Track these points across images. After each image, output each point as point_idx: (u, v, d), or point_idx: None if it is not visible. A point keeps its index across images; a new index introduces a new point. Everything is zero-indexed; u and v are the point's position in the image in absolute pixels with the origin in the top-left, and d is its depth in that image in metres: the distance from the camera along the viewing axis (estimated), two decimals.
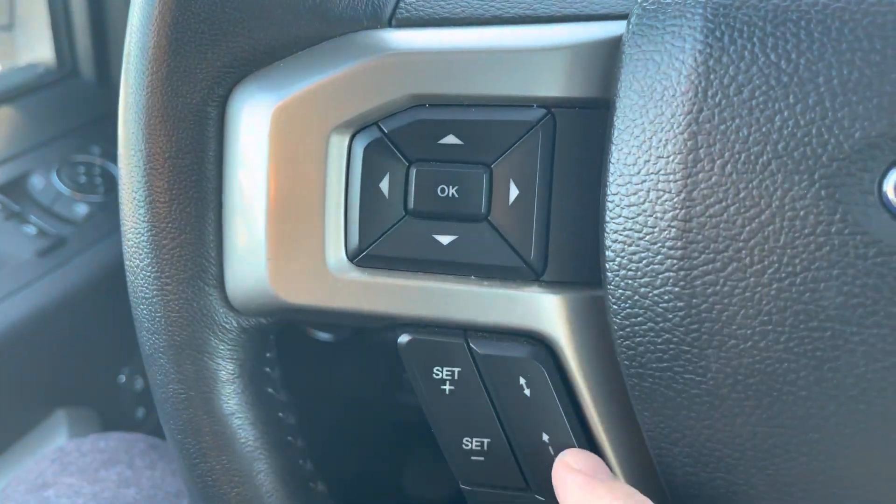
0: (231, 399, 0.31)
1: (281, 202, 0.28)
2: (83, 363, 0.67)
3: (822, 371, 0.24)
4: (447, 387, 0.29)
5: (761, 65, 0.23)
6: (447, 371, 0.29)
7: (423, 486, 0.91)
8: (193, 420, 0.30)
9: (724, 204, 0.24)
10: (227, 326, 0.30)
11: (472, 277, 0.28)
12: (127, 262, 0.30)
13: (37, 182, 0.67)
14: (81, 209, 0.67)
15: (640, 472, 0.28)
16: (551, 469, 0.28)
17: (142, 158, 0.29)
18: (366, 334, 0.77)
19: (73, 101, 0.75)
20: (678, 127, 0.24)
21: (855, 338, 0.23)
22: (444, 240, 0.28)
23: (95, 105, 0.75)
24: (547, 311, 0.28)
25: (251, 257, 0.29)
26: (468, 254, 0.28)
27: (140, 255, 0.30)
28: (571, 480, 0.27)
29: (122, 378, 0.70)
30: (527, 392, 0.28)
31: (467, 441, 0.29)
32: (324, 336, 0.76)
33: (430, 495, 0.91)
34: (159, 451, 0.48)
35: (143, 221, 0.29)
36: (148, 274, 0.30)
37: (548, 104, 0.27)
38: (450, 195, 0.28)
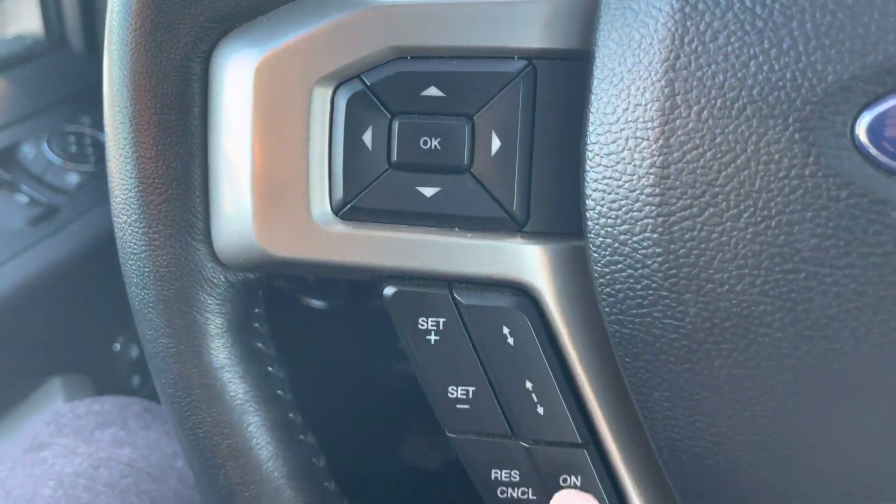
0: (220, 353, 0.31)
1: (265, 156, 0.28)
2: (78, 332, 0.68)
3: (797, 312, 0.24)
4: (432, 337, 0.29)
5: (736, 10, 0.23)
6: (432, 322, 0.29)
7: (420, 454, 0.92)
8: (184, 373, 0.31)
9: (700, 150, 0.24)
10: (214, 281, 0.31)
11: (456, 229, 0.29)
12: (115, 219, 0.31)
13: (28, 151, 0.67)
14: (73, 178, 0.68)
15: (623, 418, 0.29)
16: (535, 417, 0.29)
17: (127, 115, 0.29)
18: (359, 301, 0.77)
19: (62, 72, 0.75)
20: (655, 74, 0.24)
21: (828, 279, 0.24)
22: (428, 192, 0.28)
23: (85, 75, 0.75)
24: (530, 262, 0.28)
25: (237, 211, 0.29)
26: (451, 205, 0.28)
27: (128, 211, 0.30)
28: None
29: (118, 346, 0.71)
30: (510, 341, 0.29)
31: (452, 390, 0.30)
32: (317, 303, 0.76)
33: (427, 464, 0.92)
34: (154, 413, 0.49)
35: (130, 178, 0.30)
36: (136, 230, 0.30)
37: (529, 56, 0.28)
38: (432, 147, 0.28)
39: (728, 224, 0.24)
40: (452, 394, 0.30)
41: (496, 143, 0.28)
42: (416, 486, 0.90)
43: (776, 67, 0.23)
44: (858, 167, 0.23)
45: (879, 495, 0.25)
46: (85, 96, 0.73)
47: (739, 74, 0.24)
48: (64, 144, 0.69)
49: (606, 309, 0.27)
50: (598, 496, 0.29)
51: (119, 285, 0.32)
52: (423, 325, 0.29)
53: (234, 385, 0.31)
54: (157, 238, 0.30)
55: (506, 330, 0.29)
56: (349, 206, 0.29)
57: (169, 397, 0.31)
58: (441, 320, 0.29)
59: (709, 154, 0.24)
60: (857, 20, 0.22)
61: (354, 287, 0.73)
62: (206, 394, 0.31)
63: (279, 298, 0.76)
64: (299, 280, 0.74)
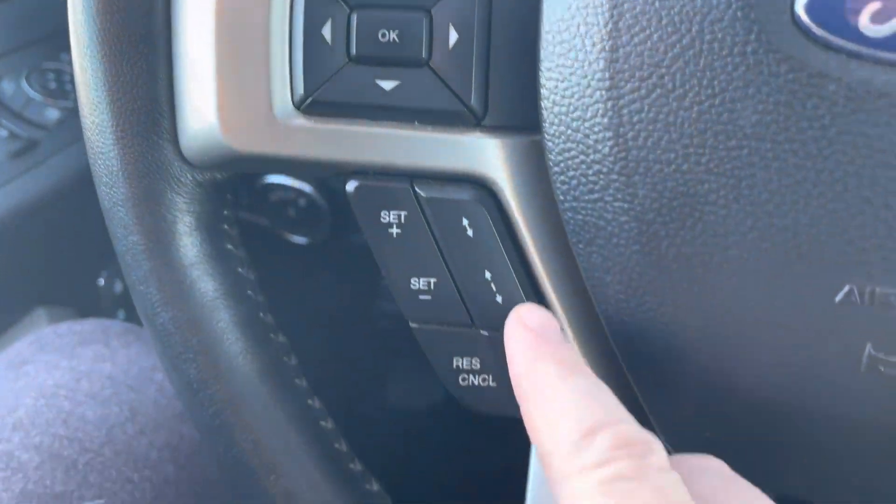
0: (189, 251, 0.32)
1: (227, 51, 0.29)
2: (61, 265, 0.69)
3: (741, 189, 0.25)
4: (394, 230, 0.30)
5: None
6: (394, 215, 0.30)
7: (406, 394, 0.94)
8: (153, 270, 0.31)
9: (647, 32, 0.25)
10: (182, 180, 0.31)
11: (416, 123, 0.29)
12: (83, 120, 0.31)
13: (6, 87, 0.67)
14: (53, 114, 0.68)
15: (577, 305, 0.30)
16: (494, 305, 0.30)
17: (91, 15, 0.30)
18: (342, 237, 0.78)
19: (40, 10, 0.75)
20: None
21: (769, 154, 0.24)
22: (387, 85, 0.29)
23: (63, 13, 0.74)
24: (488, 156, 0.29)
25: (201, 109, 0.30)
26: (410, 99, 0.29)
27: (94, 111, 0.31)
28: (521, 336, 0.28)
29: (102, 281, 0.71)
30: (470, 233, 0.30)
31: (415, 281, 0.30)
32: (299, 240, 0.77)
33: (413, 403, 0.94)
34: (135, 333, 0.50)
35: (96, 78, 0.30)
36: (104, 129, 0.31)
37: None
38: (391, 40, 0.28)
39: (674, 104, 0.25)
40: (415, 285, 0.30)
41: (454, 36, 0.28)
42: (400, 426, 0.92)
43: None
44: (798, 42, 0.23)
45: (822, 372, 0.26)
46: (64, 34, 0.73)
47: None
48: (43, 81, 0.70)
49: (561, 197, 0.28)
50: None
51: (101, 220, 0.33)
52: (385, 219, 0.30)
53: (204, 283, 0.32)
54: (125, 137, 0.31)
55: (465, 222, 0.30)
56: (309, 100, 0.29)
57: (140, 294, 0.32)
58: (403, 213, 0.30)
59: (655, 36, 0.25)
60: None
61: (336, 222, 0.74)
62: (176, 290, 0.32)
63: (262, 237, 0.77)
64: (281, 216, 0.74)
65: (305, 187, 0.71)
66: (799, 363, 0.26)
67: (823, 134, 0.24)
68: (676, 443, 0.31)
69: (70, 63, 0.69)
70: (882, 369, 0.25)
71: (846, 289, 0.25)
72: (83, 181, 0.66)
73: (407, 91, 0.29)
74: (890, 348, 0.25)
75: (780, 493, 0.30)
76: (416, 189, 0.30)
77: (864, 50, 0.23)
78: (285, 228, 0.74)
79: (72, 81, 0.71)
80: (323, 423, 0.34)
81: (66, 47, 0.31)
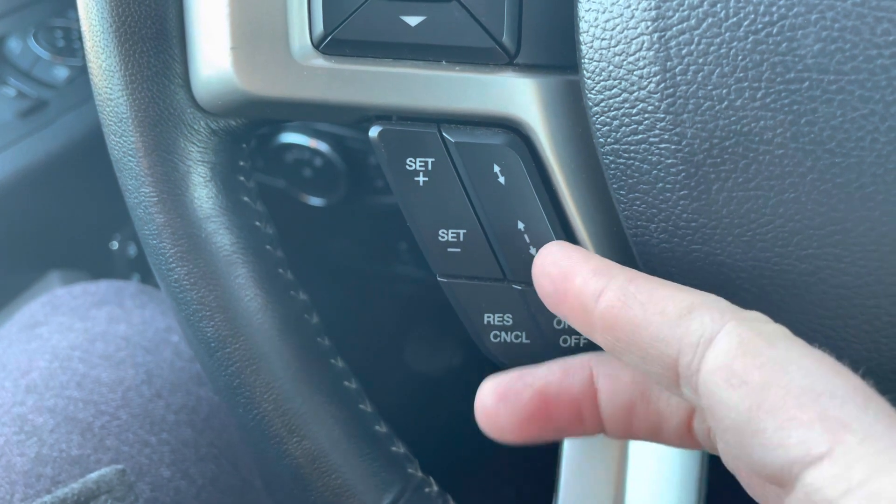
0: (205, 203, 0.30)
1: None
2: (73, 228, 0.67)
3: (799, 126, 0.23)
4: (421, 178, 0.28)
5: None
6: (420, 162, 0.28)
7: (426, 358, 0.92)
8: (167, 223, 0.30)
9: None
10: (195, 127, 0.30)
11: (444, 62, 0.27)
12: (90, 65, 0.29)
13: (14, 46, 0.66)
14: (61, 73, 0.66)
15: (616, 256, 0.28)
16: (527, 258, 0.28)
17: None
18: (358, 200, 0.76)
19: None
20: None
21: (832, 87, 0.22)
22: (412, 21, 0.27)
23: None
24: (521, 97, 0.27)
25: (214, 50, 0.28)
26: (437, 35, 0.27)
27: (101, 55, 0.29)
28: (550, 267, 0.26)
29: (115, 244, 0.70)
30: (501, 180, 0.28)
31: (443, 233, 0.29)
32: (316, 201, 0.75)
33: (433, 367, 0.93)
34: (149, 294, 0.49)
35: (102, 19, 0.28)
36: (112, 73, 0.29)
37: None
38: None
39: (727, 35, 0.23)
40: (443, 237, 0.29)
41: None
42: (421, 390, 0.91)
43: None
44: None
45: (884, 313, 0.24)
46: None
47: None
48: (51, 39, 0.68)
49: (601, 139, 0.26)
50: None
51: (114, 181, 0.31)
52: (411, 166, 0.28)
53: (220, 236, 0.30)
54: (134, 82, 0.29)
55: (496, 168, 0.28)
56: (329, 38, 0.27)
57: (153, 249, 0.30)
58: (430, 160, 0.28)
59: None
60: None
61: (353, 183, 0.72)
62: (191, 244, 0.30)
63: (279, 200, 0.76)
64: (297, 177, 0.73)
65: (322, 146, 0.69)
66: (862, 315, 0.24)
67: (895, 62, 0.22)
68: None
69: (77, 20, 0.67)
70: None
71: None
72: (94, 141, 0.65)
73: (434, 27, 0.27)
74: None
75: None
76: (444, 133, 0.28)
77: None
78: (302, 190, 0.72)
79: (80, 39, 0.69)
80: (347, 383, 0.32)
81: (74, 3, 0.29)
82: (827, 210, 0.23)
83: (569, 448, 0.36)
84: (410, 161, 0.28)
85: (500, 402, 0.26)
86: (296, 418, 0.30)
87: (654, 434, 0.27)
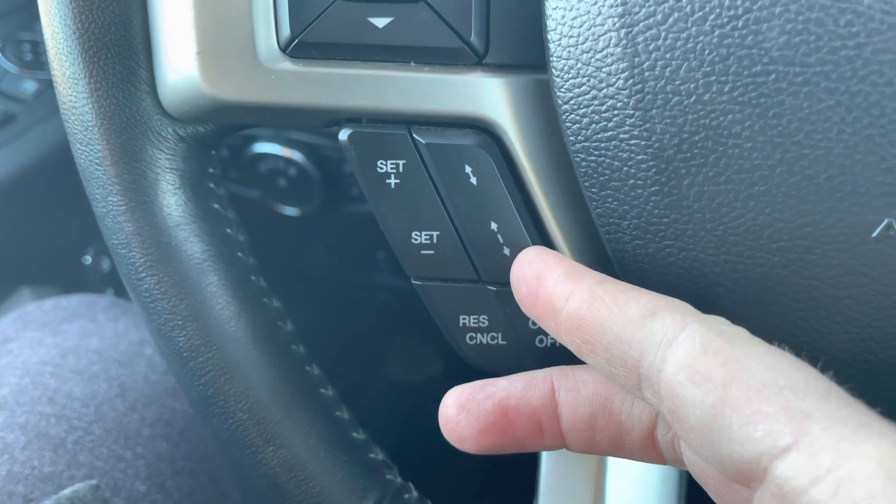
0: (175, 210, 0.30)
1: None
2: (45, 244, 0.66)
3: (767, 118, 0.23)
4: (392, 180, 0.28)
5: None
6: (391, 164, 0.28)
7: (404, 367, 0.92)
8: (136, 231, 0.29)
9: None
10: (163, 134, 0.29)
11: (412, 63, 0.27)
12: (53, 73, 0.29)
13: None
14: (30, 86, 0.65)
15: (590, 254, 0.28)
16: (501, 258, 0.28)
17: None
18: (334, 209, 0.76)
19: None
20: None
21: (798, 78, 0.22)
22: (380, 22, 0.27)
23: None
24: (491, 97, 0.27)
25: (180, 55, 0.28)
26: (406, 36, 0.27)
27: (64, 62, 0.28)
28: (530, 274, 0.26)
29: (88, 259, 0.69)
30: (473, 181, 0.28)
31: (416, 235, 0.29)
32: (291, 211, 0.75)
33: (411, 376, 0.92)
34: (122, 307, 0.48)
35: (65, 25, 0.28)
36: (76, 80, 0.28)
37: None
38: None
39: (693, 29, 0.23)
40: (416, 239, 0.29)
41: None
42: (397, 398, 0.90)
43: None
44: None
45: (858, 314, 0.24)
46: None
47: None
48: (19, 52, 0.67)
49: (571, 137, 0.26)
50: None
51: (85, 196, 0.31)
52: (382, 168, 0.28)
53: (191, 244, 0.30)
54: (99, 88, 0.28)
55: (468, 169, 0.28)
56: (297, 41, 0.27)
57: (122, 259, 0.30)
58: (401, 162, 0.28)
59: None
60: None
61: (328, 192, 0.72)
62: (161, 252, 0.30)
63: (254, 210, 0.75)
64: (271, 187, 0.72)
65: (296, 155, 0.68)
66: (833, 306, 0.24)
67: (859, 53, 0.22)
68: None
69: None
70: None
71: (885, 223, 0.23)
72: (64, 155, 0.64)
73: (401, 28, 0.27)
74: None
75: None
76: (415, 135, 0.28)
77: None
78: (277, 200, 0.72)
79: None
80: (323, 390, 0.32)
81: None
82: (797, 202, 0.23)
83: (548, 454, 0.36)
84: (381, 163, 0.28)
85: (462, 412, 0.27)
86: (271, 427, 0.30)
87: (617, 447, 0.27)
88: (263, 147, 0.69)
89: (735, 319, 0.24)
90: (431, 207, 0.28)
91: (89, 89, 0.28)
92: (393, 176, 0.28)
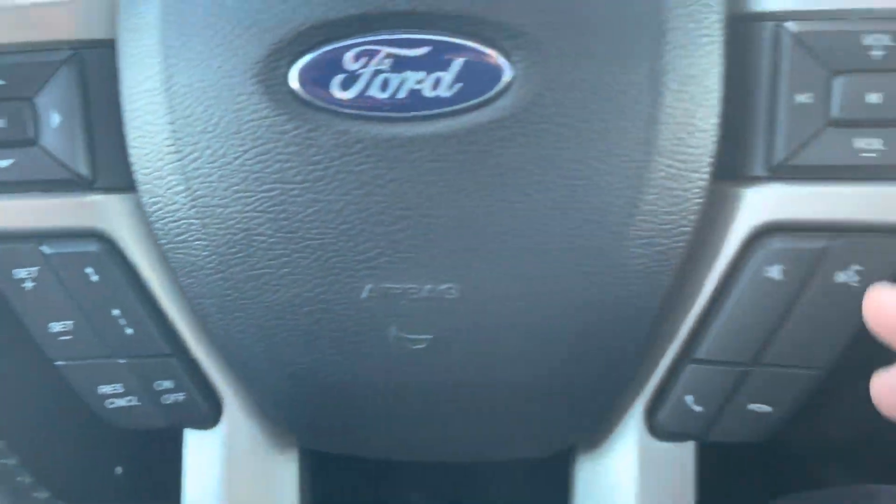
0: None
1: None
2: None
3: (279, 220, 0.32)
4: (28, 283, 0.35)
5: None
6: (26, 271, 0.35)
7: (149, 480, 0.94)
8: None
9: (193, 107, 0.32)
10: None
11: (37, 193, 0.35)
12: None
13: None
14: None
15: (201, 328, 0.36)
16: (126, 337, 0.36)
17: None
18: None
19: None
20: (152, 56, 0.32)
21: (293, 191, 0.32)
22: (3, 163, 0.34)
23: None
24: (106, 212, 0.35)
25: None
26: (28, 173, 0.34)
27: None
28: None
29: None
30: (95, 279, 0.35)
31: (54, 325, 0.36)
32: None
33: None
34: None
35: None
36: None
37: (74, 46, 0.34)
38: (2, 126, 0.34)
39: (223, 160, 0.32)
40: (54, 328, 0.36)
41: (56, 119, 0.34)
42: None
43: (241, 30, 0.31)
44: (296, 105, 0.31)
45: (365, 354, 0.34)
46: None
47: (214, 41, 0.31)
48: None
49: (161, 241, 0.34)
50: (190, 394, 0.37)
51: None
52: (18, 275, 0.35)
53: None
54: None
55: (89, 270, 0.35)
56: None
57: None
58: (34, 269, 0.35)
59: (200, 109, 0.32)
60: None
61: None
62: None
63: None
64: None
65: None
66: (348, 350, 0.33)
67: (325, 173, 0.31)
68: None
69: None
70: (405, 345, 0.33)
71: (369, 287, 0.32)
72: None
73: (24, 167, 0.34)
74: (408, 329, 0.33)
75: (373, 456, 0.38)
76: (43, 248, 0.35)
77: (338, 108, 0.31)
78: None
79: None
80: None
81: None
82: (308, 277, 0.33)
83: None
84: (17, 271, 0.35)
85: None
86: None
87: None
88: None
89: (279, 364, 0.33)
90: (63, 302, 0.35)
91: None
92: (28, 280, 0.35)
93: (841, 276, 0.32)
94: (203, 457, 0.38)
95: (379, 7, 0.30)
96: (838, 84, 0.31)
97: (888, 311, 0.30)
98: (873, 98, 0.30)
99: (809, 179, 0.32)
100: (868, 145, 0.31)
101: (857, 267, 0.32)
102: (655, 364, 0.35)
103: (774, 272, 0.32)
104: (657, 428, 0.36)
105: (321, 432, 0.38)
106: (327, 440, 0.38)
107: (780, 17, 0.31)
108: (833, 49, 0.31)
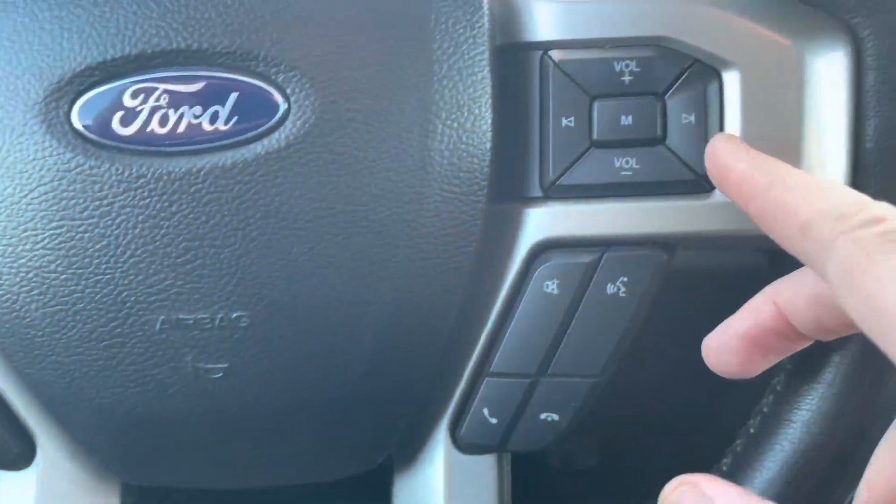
0: None
1: None
2: None
3: (70, 258, 0.32)
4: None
5: None
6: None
7: None
8: None
9: None
10: None
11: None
12: None
13: None
14: None
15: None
16: None
17: None
18: None
19: None
20: None
21: (81, 226, 0.32)
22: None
23: None
24: None
25: None
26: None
27: None
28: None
29: None
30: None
31: None
32: None
33: None
34: None
35: None
36: None
37: None
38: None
39: (11, 199, 0.32)
40: None
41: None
42: None
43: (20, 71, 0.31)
44: (80, 143, 0.31)
45: (167, 384, 0.34)
46: None
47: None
48: None
49: None
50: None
51: None
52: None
53: None
54: None
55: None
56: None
57: None
58: None
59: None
60: (56, 37, 0.31)
61: None
62: None
63: None
64: None
65: None
66: (148, 382, 0.34)
67: (110, 209, 0.32)
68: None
69: None
70: (203, 374, 0.34)
71: (161, 318, 0.33)
72: None
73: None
74: (204, 358, 0.34)
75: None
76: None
77: (120, 144, 0.32)
78: None
79: None
80: None
81: None
82: (104, 311, 0.33)
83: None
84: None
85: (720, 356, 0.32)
86: None
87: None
88: None
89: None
90: None
91: None
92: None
93: (611, 288, 0.34)
94: (15, 500, 0.38)
95: (154, 46, 0.31)
96: (596, 108, 0.33)
97: (718, 159, 0.31)
98: (626, 120, 0.33)
99: (578, 198, 0.34)
100: (626, 164, 0.33)
101: (623, 278, 0.34)
102: (458, 379, 0.36)
103: (552, 287, 0.34)
104: (460, 441, 0.37)
105: (135, 465, 0.38)
106: (144, 473, 0.38)
107: (545, 46, 0.34)
108: (590, 75, 0.33)
